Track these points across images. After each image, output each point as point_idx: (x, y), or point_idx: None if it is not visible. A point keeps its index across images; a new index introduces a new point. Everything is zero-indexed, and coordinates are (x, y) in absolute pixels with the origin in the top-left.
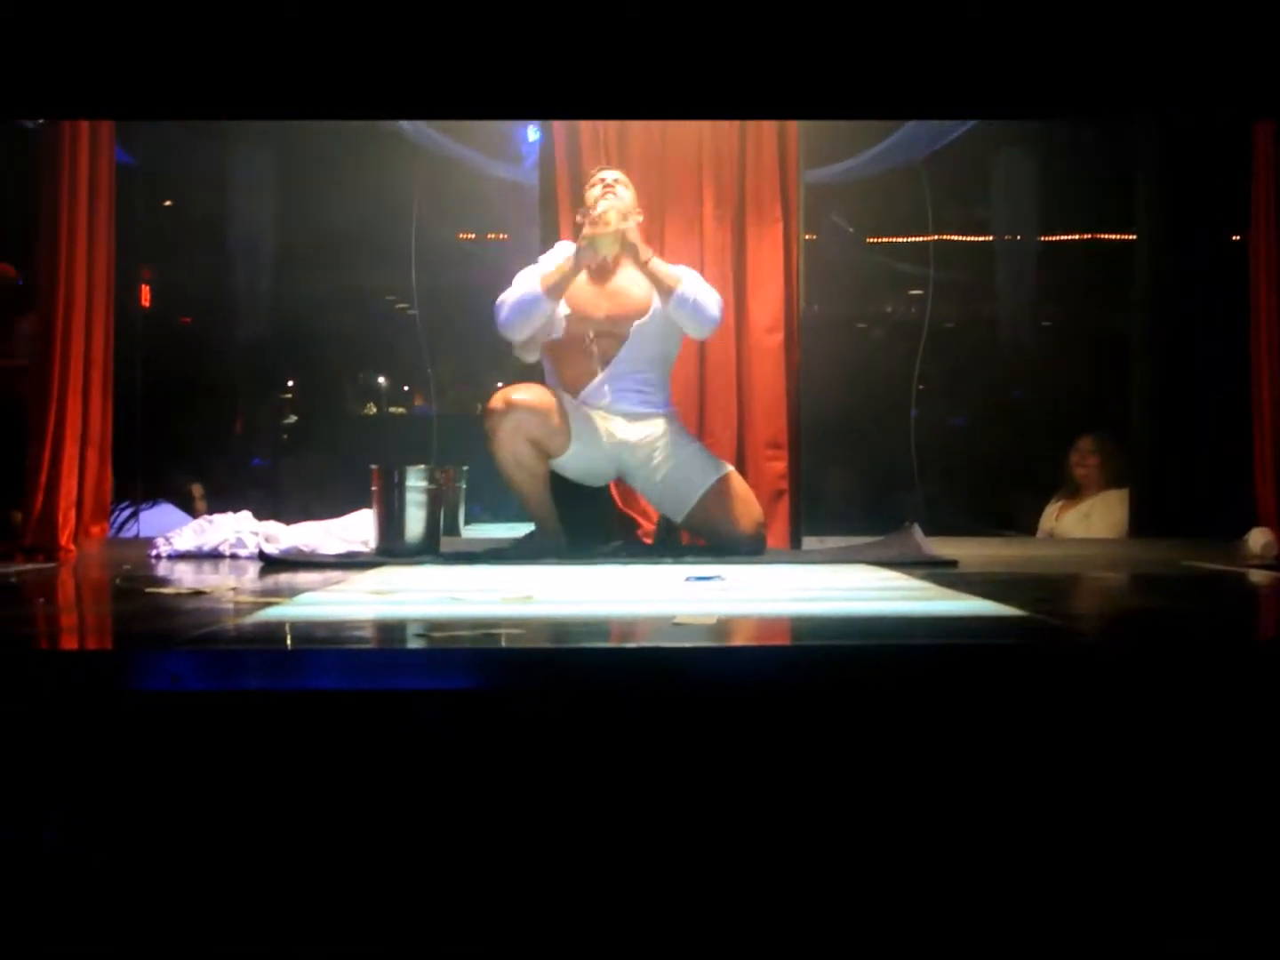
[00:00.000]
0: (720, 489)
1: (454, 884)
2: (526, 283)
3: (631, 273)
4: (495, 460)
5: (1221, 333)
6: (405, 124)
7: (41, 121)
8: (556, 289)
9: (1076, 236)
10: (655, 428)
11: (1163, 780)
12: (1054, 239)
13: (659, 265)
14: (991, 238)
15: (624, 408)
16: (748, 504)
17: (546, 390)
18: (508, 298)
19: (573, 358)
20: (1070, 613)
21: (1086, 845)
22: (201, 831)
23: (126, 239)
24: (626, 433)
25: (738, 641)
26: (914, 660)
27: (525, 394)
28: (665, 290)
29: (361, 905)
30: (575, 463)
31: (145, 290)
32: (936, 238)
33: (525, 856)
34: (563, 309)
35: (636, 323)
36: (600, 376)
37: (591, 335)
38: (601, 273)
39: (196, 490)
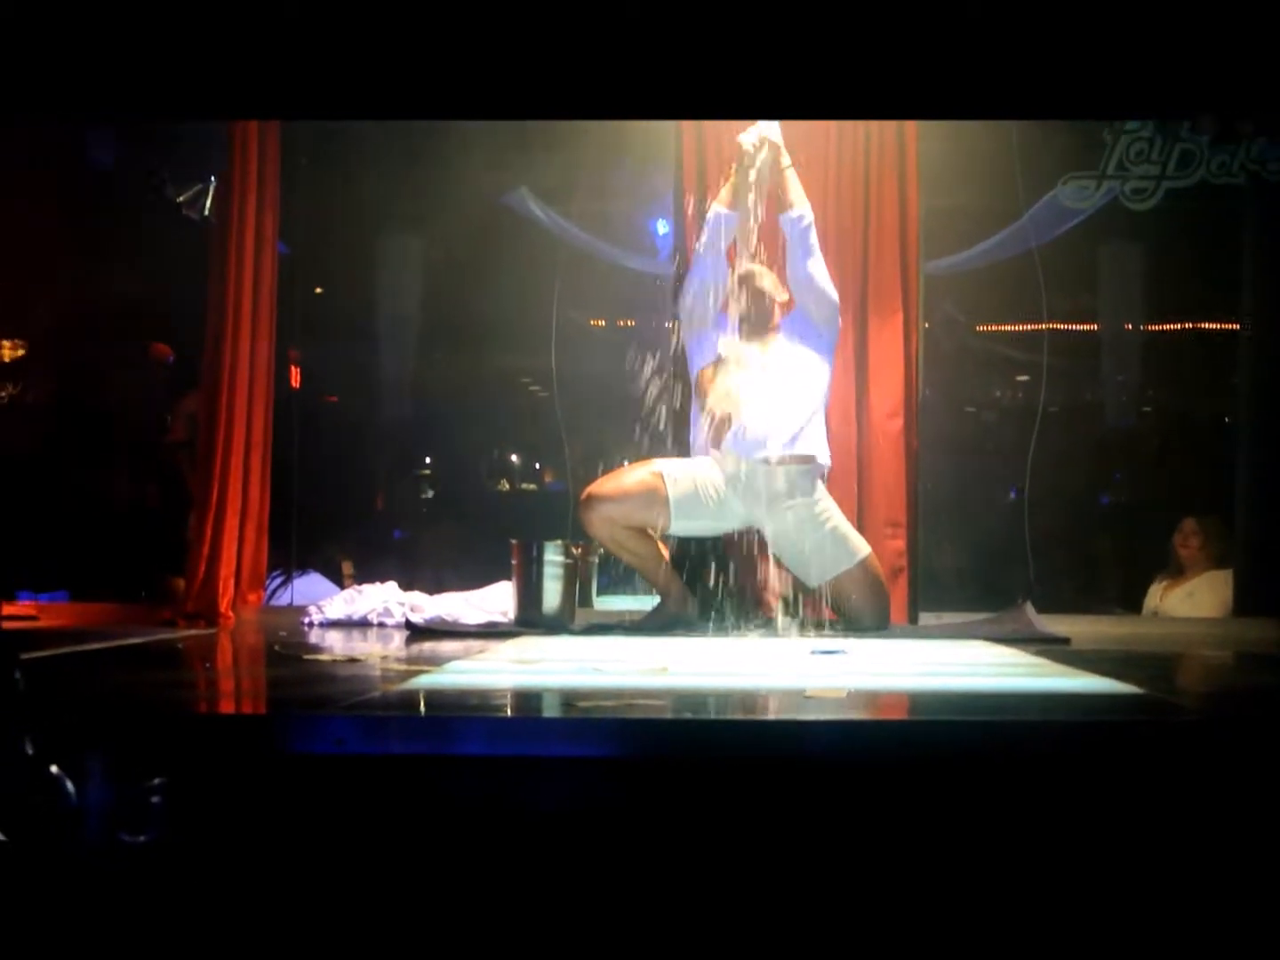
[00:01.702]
0: (858, 572)
1: (589, 944)
2: (709, 216)
3: (784, 346)
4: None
5: None
6: (544, 216)
7: (209, 215)
8: (734, 201)
9: (1180, 326)
10: (799, 497)
11: None
12: (1158, 328)
13: (795, 179)
14: (1098, 326)
15: (763, 455)
16: (881, 584)
17: (641, 470)
18: (700, 242)
19: (721, 404)
20: (1184, 689)
21: (1204, 914)
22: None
23: (281, 324)
24: (767, 500)
25: (868, 715)
26: (1044, 736)
27: (612, 484)
28: (787, 204)
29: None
30: (696, 525)
31: (295, 371)
32: (1048, 326)
33: (660, 922)
34: (719, 351)
35: (770, 357)
36: (743, 414)
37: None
38: (759, 325)
39: (346, 568)
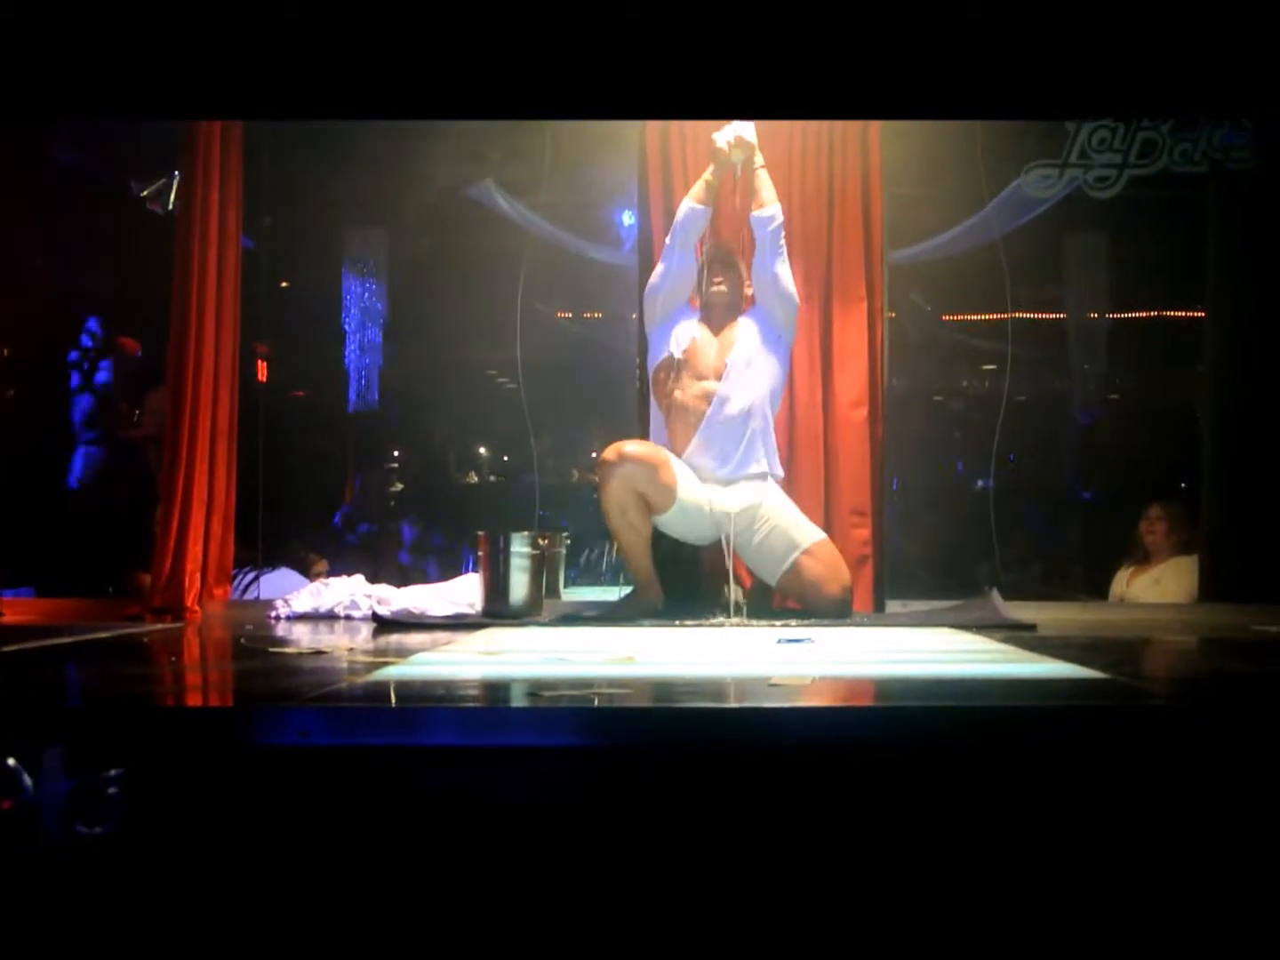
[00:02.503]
0: (811, 554)
1: (560, 933)
2: (682, 210)
3: (746, 329)
4: (603, 511)
5: None
6: (509, 208)
7: (173, 209)
8: (707, 198)
9: (1144, 314)
10: (755, 495)
11: (1247, 838)
12: (1123, 316)
13: (767, 179)
14: (1064, 315)
15: (725, 472)
16: (836, 569)
17: (659, 447)
18: (671, 233)
19: (677, 411)
20: (1148, 675)
21: (1168, 898)
22: (326, 870)
23: (245, 318)
24: (726, 500)
25: (833, 702)
26: (1009, 721)
27: (637, 447)
28: (759, 203)
29: (472, 951)
30: (678, 521)
31: (262, 365)
32: (1013, 315)
33: (627, 907)
34: (677, 349)
35: (729, 357)
36: (701, 429)
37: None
38: (720, 321)
39: (319, 566)
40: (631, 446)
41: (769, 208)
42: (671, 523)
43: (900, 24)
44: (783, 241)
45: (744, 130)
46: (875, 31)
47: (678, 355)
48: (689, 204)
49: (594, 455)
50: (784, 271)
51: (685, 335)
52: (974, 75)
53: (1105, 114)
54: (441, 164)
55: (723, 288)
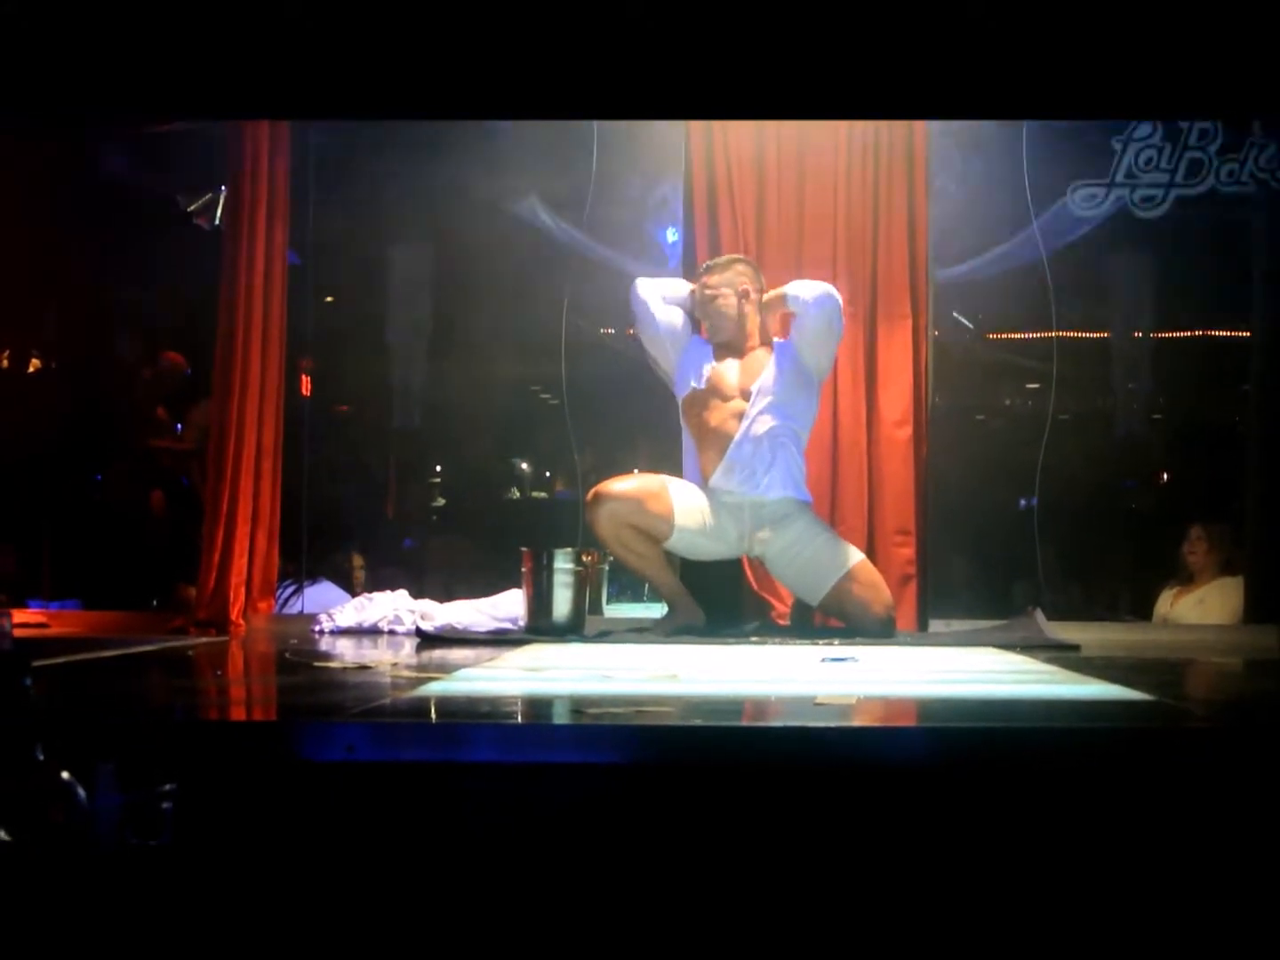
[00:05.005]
0: (853, 576)
1: (601, 951)
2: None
3: (769, 380)
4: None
5: None
6: (554, 225)
7: (220, 224)
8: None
9: (1190, 333)
10: (787, 516)
11: None
12: (1168, 335)
13: (795, 286)
14: (1109, 334)
15: (756, 493)
16: (878, 590)
17: (650, 478)
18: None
19: (706, 437)
20: (1194, 697)
21: (1217, 921)
22: (369, 887)
23: (291, 332)
24: (759, 530)
25: (879, 722)
26: (1054, 743)
27: (621, 485)
28: (779, 301)
29: None
30: (695, 544)
31: (306, 380)
32: (1057, 334)
33: (670, 929)
34: (699, 380)
35: (755, 384)
36: (730, 451)
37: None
38: (733, 348)
39: (357, 560)
40: (616, 485)
41: (790, 287)
42: (688, 546)
43: (940, 20)
44: (812, 284)
45: (735, 280)
46: (911, 27)
47: (700, 386)
48: (688, 330)
49: (636, 471)
50: (831, 345)
51: (705, 367)
52: (1016, 74)
53: (1147, 115)
54: (486, 180)
55: (724, 337)
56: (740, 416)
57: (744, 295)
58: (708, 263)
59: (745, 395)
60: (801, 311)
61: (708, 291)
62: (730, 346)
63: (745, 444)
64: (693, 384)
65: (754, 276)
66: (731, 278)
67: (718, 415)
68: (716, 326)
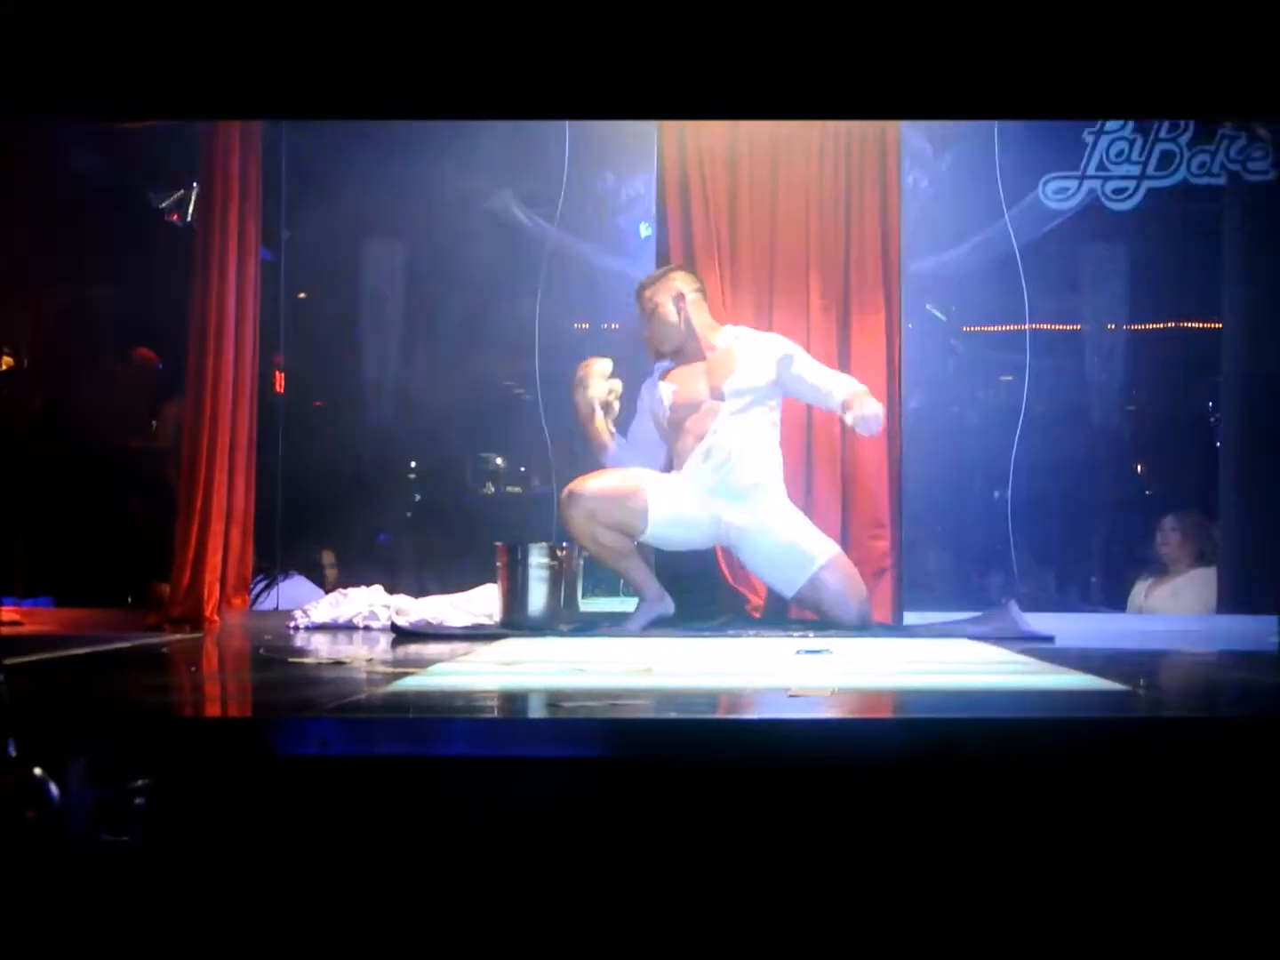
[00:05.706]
0: (828, 568)
1: (577, 944)
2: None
3: (728, 339)
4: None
5: None
6: (527, 220)
7: (192, 220)
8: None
9: (1162, 325)
10: (763, 508)
11: (1272, 851)
12: (1141, 327)
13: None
14: (1081, 326)
15: (729, 484)
16: (854, 582)
17: (625, 474)
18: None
19: (678, 432)
20: (1168, 687)
21: (1191, 912)
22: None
23: (264, 329)
24: (734, 516)
25: (853, 714)
26: (1028, 733)
27: (595, 482)
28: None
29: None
30: (671, 534)
31: (279, 377)
32: (1030, 326)
33: (645, 919)
34: (665, 391)
35: (727, 383)
36: (700, 448)
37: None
38: (688, 354)
39: (327, 557)
40: (590, 482)
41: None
42: (662, 539)
43: (915, 21)
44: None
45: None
46: (890, 28)
47: (667, 414)
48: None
49: (607, 460)
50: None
51: (664, 392)
52: (990, 73)
53: (1123, 115)
54: (458, 176)
55: (673, 344)
56: (714, 414)
57: (679, 298)
58: (641, 280)
59: (717, 394)
60: (858, 428)
61: (647, 307)
62: (684, 352)
63: (720, 433)
64: (655, 414)
65: (688, 279)
66: (665, 285)
67: (691, 418)
68: (662, 336)
